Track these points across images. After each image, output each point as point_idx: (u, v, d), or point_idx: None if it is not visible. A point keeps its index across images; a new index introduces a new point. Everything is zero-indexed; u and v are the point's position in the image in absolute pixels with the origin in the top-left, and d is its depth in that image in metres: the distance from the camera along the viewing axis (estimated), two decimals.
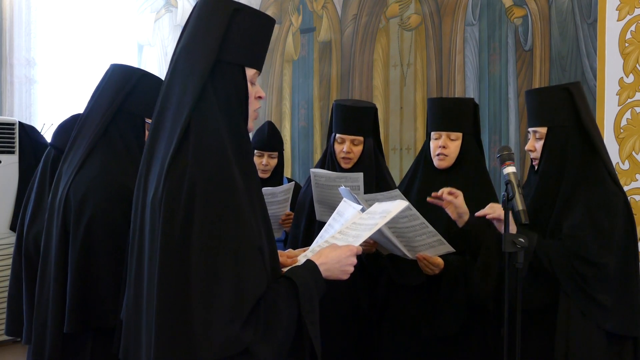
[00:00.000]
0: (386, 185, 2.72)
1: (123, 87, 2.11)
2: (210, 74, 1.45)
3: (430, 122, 2.61)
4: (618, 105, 3.23)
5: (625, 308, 2.13)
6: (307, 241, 2.25)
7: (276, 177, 3.48)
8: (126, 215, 1.65)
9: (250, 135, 1.83)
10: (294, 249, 1.83)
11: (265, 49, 1.57)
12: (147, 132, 2.08)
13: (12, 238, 4.21)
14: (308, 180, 2.87)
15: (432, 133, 2.58)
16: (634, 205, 3.12)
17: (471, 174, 2.51)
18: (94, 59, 5.96)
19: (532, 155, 2.32)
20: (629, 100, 3.21)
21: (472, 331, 2.44)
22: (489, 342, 2.45)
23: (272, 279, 1.46)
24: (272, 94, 4.81)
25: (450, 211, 2.36)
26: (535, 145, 2.30)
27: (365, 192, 2.52)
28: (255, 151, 3.42)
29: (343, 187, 2.36)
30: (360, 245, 1.60)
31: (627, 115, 3.21)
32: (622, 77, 3.22)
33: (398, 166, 4.11)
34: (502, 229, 2.08)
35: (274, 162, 3.46)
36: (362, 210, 1.80)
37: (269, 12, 4.75)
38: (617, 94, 3.23)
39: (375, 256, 2.53)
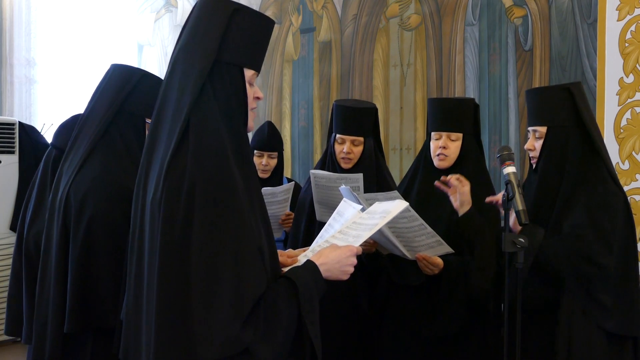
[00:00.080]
0: (386, 186, 2.72)
1: (123, 87, 2.11)
2: (209, 74, 1.45)
3: (431, 122, 2.61)
4: (618, 105, 3.23)
5: (625, 308, 2.14)
6: (308, 241, 2.25)
7: (276, 177, 3.48)
8: (126, 215, 1.65)
9: (250, 135, 1.84)
10: (294, 249, 1.83)
11: (264, 50, 1.57)
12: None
13: (12, 238, 4.22)
14: (308, 180, 2.87)
15: (433, 133, 2.58)
16: (634, 205, 3.12)
17: (471, 174, 2.51)
18: (94, 59, 5.96)
19: (531, 154, 2.33)
20: (629, 100, 3.21)
21: (472, 331, 2.45)
22: (489, 342, 2.45)
23: (272, 279, 1.46)
24: (272, 94, 4.81)
25: (453, 198, 2.36)
26: (534, 144, 2.30)
27: (365, 192, 2.52)
28: (255, 151, 3.42)
29: (343, 186, 2.37)
30: (360, 245, 1.60)
31: (627, 115, 3.21)
32: (622, 77, 3.22)
33: (398, 166, 4.11)
34: (511, 219, 2.08)
35: (273, 162, 3.46)
36: (362, 210, 1.81)
37: (269, 12, 4.75)
38: (617, 94, 3.24)
39: (375, 256, 2.53)
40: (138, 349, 1.46)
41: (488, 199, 2.29)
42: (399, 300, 2.57)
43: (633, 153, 3.20)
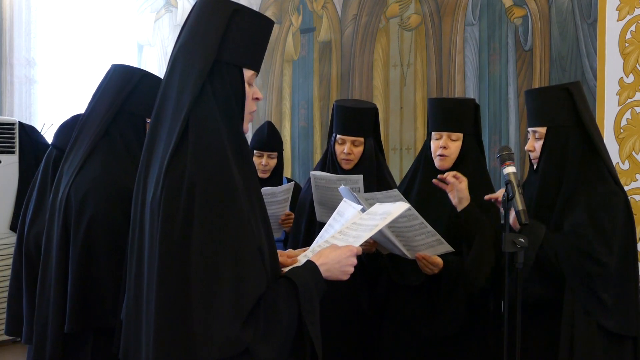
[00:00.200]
0: (387, 186, 2.72)
1: (124, 87, 2.11)
2: (209, 74, 1.45)
3: (431, 122, 2.61)
4: (618, 105, 3.23)
5: (624, 308, 2.14)
6: (308, 241, 2.25)
7: (276, 177, 3.48)
8: (127, 215, 1.65)
9: (248, 135, 1.83)
10: (294, 249, 1.83)
11: (263, 51, 1.57)
12: None
13: (12, 238, 4.22)
14: (309, 180, 2.87)
15: (433, 133, 2.58)
16: (634, 205, 3.12)
17: (471, 174, 2.52)
18: (94, 59, 5.96)
19: (532, 155, 2.33)
20: (629, 100, 3.21)
21: (472, 331, 2.45)
22: (489, 342, 2.45)
23: (272, 279, 1.46)
24: (272, 94, 4.81)
25: (452, 195, 2.37)
26: (534, 145, 2.30)
27: (365, 192, 2.52)
28: (255, 151, 3.42)
29: (343, 186, 2.37)
30: (360, 245, 1.60)
31: (627, 115, 3.21)
32: (622, 77, 3.22)
33: (398, 166, 4.11)
34: (511, 217, 2.09)
35: (273, 162, 3.46)
36: (363, 210, 1.81)
37: (269, 12, 4.75)
38: (617, 94, 3.24)
39: (375, 256, 2.53)
40: (138, 349, 1.46)
41: (487, 197, 2.30)
42: (399, 300, 2.57)
43: (633, 153, 3.20)
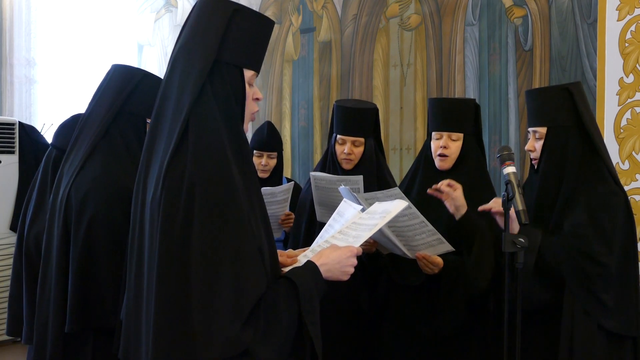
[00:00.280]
0: (387, 186, 2.72)
1: (124, 87, 2.11)
2: (209, 74, 1.45)
3: (432, 122, 2.61)
4: (618, 105, 3.23)
5: (624, 308, 2.14)
6: (308, 242, 2.25)
7: (275, 177, 3.48)
8: (127, 215, 1.65)
9: (248, 135, 1.84)
10: (294, 249, 1.83)
11: (263, 51, 1.57)
12: None
13: (12, 238, 4.22)
14: (309, 180, 2.87)
15: (433, 133, 2.58)
16: (634, 205, 3.12)
17: (472, 174, 2.52)
18: (94, 59, 5.96)
19: (532, 155, 2.33)
20: (629, 100, 3.21)
21: (472, 331, 2.45)
22: (489, 342, 2.45)
23: (272, 279, 1.46)
24: (272, 94, 4.81)
25: (448, 204, 2.36)
26: (535, 145, 2.30)
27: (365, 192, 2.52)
28: (255, 151, 3.42)
29: (343, 186, 2.37)
30: (360, 245, 1.60)
31: (627, 115, 3.21)
32: (622, 77, 3.22)
33: (398, 166, 4.11)
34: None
35: (273, 162, 3.46)
36: (362, 210, 1.81)
37: (269, 12, 4.75)
38: (617, 94, 3.24)
39: (375, 256, 2.53)
40: (138, 349, 1.46)
41: (481, 208, 2.26)
42: (399, 300, 2.57)
43: (633, 153, 3.20)
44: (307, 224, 2.91)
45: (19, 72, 6.65)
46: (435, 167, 2.57)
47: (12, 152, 4.49)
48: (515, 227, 2.09)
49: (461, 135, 2.54)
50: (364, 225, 1.68)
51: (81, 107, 2.27)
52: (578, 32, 3.38)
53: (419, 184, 2.61)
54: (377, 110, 2.89)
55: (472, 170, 2.54)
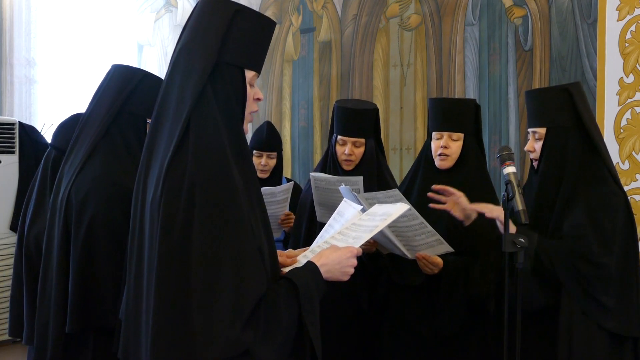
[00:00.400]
0: (387, 187, 2.72)
1: (125, 87, 2.11)
2: (210, 74, 1.45)
3: (432, 122, 2.61)
4: (618, 105, 3.24)
5: (625, 308, 2.13)
6: (308, 242, 2.25)
7: (275, 177, 3.48)
8: (127, 215, 1.65)
9: (248, 135, 1.83)
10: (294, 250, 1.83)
11: (265, 52, 1.57)
12: None
13: (12, 238, 4.22)
14: (309, 181, 2.87)
15: (434, 133, 2.58)
16: (634, 205, 3.12)
17: (472, 174, 2.52)
18: (94, 59, 5.96)
19: (532, 155, 2.33)
20: (629, 100, 3.21)
21: (472, 331, 2.45)
22: (489, 342, 2.45)
23: (272, 279, 1.46)
24: (272, 94, 4.81)
25: (457, 213, 2.34)
26: (534, 145, 2.30)
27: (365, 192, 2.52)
28: (254, 151, 3.42)
29: (343, 185, 2.37)
30: (360, 245, 1.60)
31: (627, 115, 3.21)
32: (622, 77, 3.22)
33: (398, 166, 4.11)
34: (502, 229, 2.08)
35: (273, 162, 3.46)
36: (363, 210, 1.81)
37: (269, 12, 4.75)
38: (617, 94, 3.24)
39: (375, 256, 2.54)
40: (138, 349, 1.46)
41: (488, 215, 2.25)
42: (399, 300, 2.57)
43: (633, 153, 3.20)
44: (307, 224, 2.91)
45: (19, 72, 6.65)
46: (436, 167, 2.57)
47: (12, 152, 4.49)
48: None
49: (461, 135, 2.54)
50: (364, 227, 1.68)
51: (81, 107, 2.27)
52: (578, 32, 3.38)
53: (420, 184, 2.61)
54: (377, 110, 2.89)
55: (472, 170, 2.54)
